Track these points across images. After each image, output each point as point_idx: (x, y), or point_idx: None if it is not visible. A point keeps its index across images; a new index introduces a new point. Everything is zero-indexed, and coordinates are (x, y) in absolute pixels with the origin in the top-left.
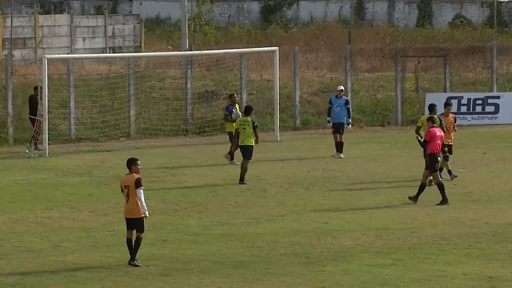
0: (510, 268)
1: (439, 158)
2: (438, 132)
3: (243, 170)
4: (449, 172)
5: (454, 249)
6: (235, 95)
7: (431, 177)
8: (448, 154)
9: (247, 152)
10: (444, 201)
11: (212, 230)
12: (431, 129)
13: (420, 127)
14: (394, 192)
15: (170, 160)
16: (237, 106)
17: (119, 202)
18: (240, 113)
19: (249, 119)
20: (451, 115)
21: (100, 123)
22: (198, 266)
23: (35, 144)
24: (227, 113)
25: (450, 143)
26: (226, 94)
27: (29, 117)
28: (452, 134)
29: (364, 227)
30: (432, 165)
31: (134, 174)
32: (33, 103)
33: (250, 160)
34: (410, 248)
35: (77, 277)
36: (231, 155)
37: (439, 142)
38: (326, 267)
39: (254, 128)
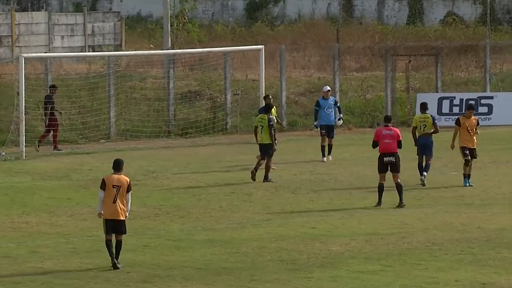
0: (504, 274)
1: (390, 158)
2: (385, 131)
3: (267, 168)
4: (465, 177)
5: (446, 255)
6: (270, 97)
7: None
8: (469, 158)
9: (266, 150)
10: (401, 203)
11: (196, 235)
12: (377, 129)
13: (416, 127)
14: (384, 196)
15: (151, 162)
16: (274, 109)
17: None
18: (274, 117)
19: (266, 117)
20: (473, 118)
21: (79, 125)
22: (181, 272)
23: (55, 144)
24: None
25: (472, 147)
26: (210, 94)
27: (45, 117)
28: (474, 137)
29: (353, 232)
30: (378, 166)
31: (124, 176)
32: (49, 102)
33: (271, 158)
34: (401, 254)
35: (55, 284)
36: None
37: (387, 141)
38: (314, 273)
39: (269, 126)
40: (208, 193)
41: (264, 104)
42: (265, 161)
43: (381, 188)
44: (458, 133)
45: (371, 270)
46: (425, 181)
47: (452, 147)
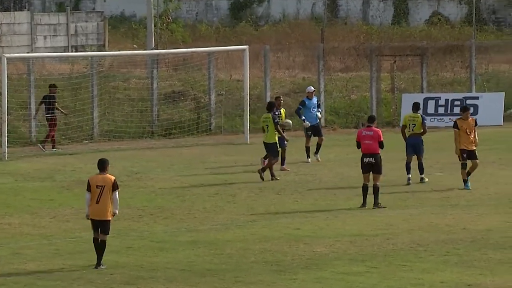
0: (490, 275)
1: (370, 159)
2: (365, 131)
3: (270, 166)
4: (464, 181)
5: (431, 256)
6: (281, 98)
7: (410, 176)
8: (466, 162)
9: (271, 149)
10: (376, 204)
11: (179, 236)
12: (358, 129)
13: (405, 126)
14: (369, 197)
15: (135, 163)
16: (282, 110)
17: (82, 208)
18: (290, 120)
19: (271, 115)
20: (470, 118)
21: (62, 125)
22: (165, 274)
23: (44, 143)
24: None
25: (471, 148)
26: (194, 95)
27: (47, 117)
28: (473, 138)
29: (337, 233)
30: (361, 166)
31: (109, 175)
32: (50, 101)
33: (276, 157)
34: (386, 255)
35: (38, 285)
36: (282, 159)
37: (367, 142)
38: (298, 275)
39: (275, 124)
40: (192, 194)
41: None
42: (275, 160)
43: (365, 189)
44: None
45: (356, 271)
46: (425, 179)
47: (457, 152)
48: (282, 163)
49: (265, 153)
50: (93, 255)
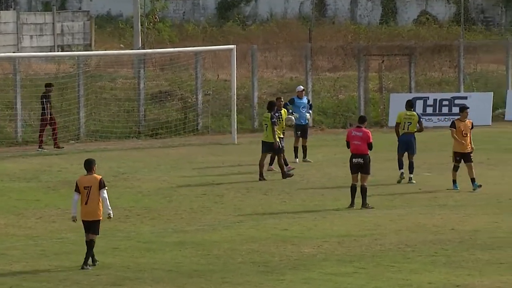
0: (478, 276)
1: (358, 160)
2: (355, 132)
3: (280, 163)
4: (454, 182)
5: (419, 257)
6: (282, 99)
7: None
8: (459, 164)
9: (271, 149)
10: (364, 204)
11: (166, 237)
12: (348, 129)
13: (399, 123)
14: (357, 197)
15: (121, 164)
16: (283, 111)
17: (68, 209)
18: (292, 116)
19: (270, 114)
20: (468, 120)
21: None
22: (151, 275)
23: (40, 143)
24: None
25: (467, 151)
26: (181, 94)
27: (42, 116)
28: (469, 140)
29: (325, 234)
30: (350, 167)
31: (95, 174)
32: (46, 101)
33: (281, 155)
34: (374, 256)
35: (23, 287)
36: (284, 161)
37: (356, 142)
38: (286, 276)
39: (272, 124)
40: (179, 195)
41: (276, 107)
42: (281, 155)
43: (353, 189)
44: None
45: (344, 272)
46: (413, 181)
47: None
48: (271, 163)
49: (260, 153)
50: (80, 256)
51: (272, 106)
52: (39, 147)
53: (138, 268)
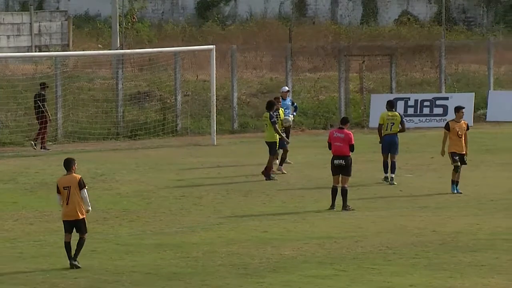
0: (459, 278)
1: (340, 161)
2: (336, 133)
3: (270, 166)
4: (453, 183)
5: (401, 259)
6: (280, 99)
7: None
8: (459, 164)
9: (272, 148)
10: (344, 206)
11: (145, 239)
12: (330, 130)
13: (382, 124)
14: (338, 199)
15: (100, 165)
16: (281, 110)
17: (45, 211)
18: (289, 117)
19: (269, 114)
20: (463, 121)
21: (25, 127)
22: (130, 278)
23: (42, 144)
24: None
25: (462, 152)
26: (160, 95)
27: (37, 116)
28: (464, 141)
29: (305, 236)
30: (331, 168)
31: (74, 174)
32: (40, 100)
33: (274, 157)
34: (354, 258)
35: None
36: (282, 160)
37: (337, 144)
38: (265, 278)
39: (272, 123)
40: (158, 197)
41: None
42: (274, 158)
43: (334, 191)
44: (447, 138)
45: (324, 274)
46: (394, 182)
47: (443, 153)
48: (281, 164)
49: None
50: (58, 259)
51: (271, 106)
52: (42, 147)
53: (117, 270)
